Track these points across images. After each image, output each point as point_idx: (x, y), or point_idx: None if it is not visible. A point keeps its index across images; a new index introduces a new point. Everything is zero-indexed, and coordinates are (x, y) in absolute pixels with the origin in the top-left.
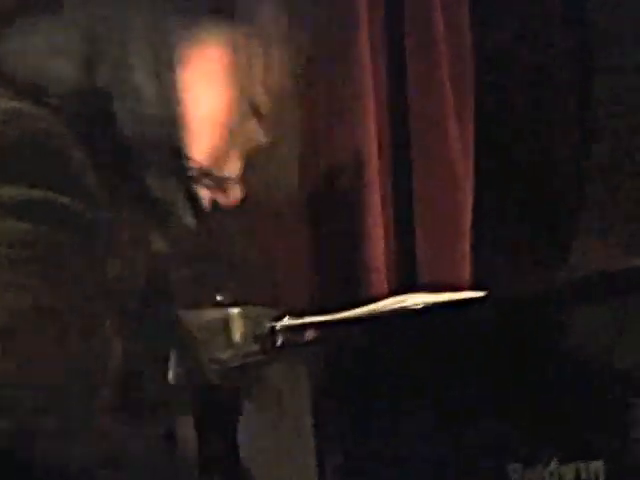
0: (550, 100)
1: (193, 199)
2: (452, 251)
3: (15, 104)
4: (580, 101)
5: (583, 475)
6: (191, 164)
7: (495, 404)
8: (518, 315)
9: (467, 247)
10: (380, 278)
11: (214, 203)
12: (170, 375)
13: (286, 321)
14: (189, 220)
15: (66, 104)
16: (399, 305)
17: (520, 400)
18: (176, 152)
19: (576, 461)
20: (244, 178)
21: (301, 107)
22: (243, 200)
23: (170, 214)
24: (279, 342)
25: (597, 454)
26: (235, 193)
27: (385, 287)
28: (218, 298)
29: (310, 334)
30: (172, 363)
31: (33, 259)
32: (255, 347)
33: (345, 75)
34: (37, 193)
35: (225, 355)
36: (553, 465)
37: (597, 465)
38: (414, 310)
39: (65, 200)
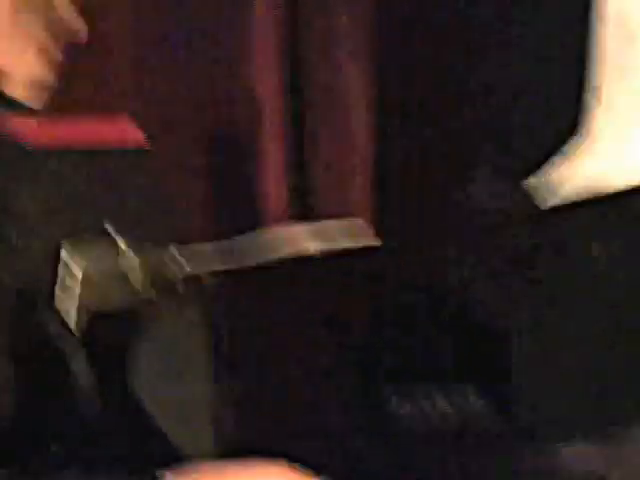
0: None
1: None
2: (347, 189)
3: None
4: None
5: None
6: None
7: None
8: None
9: (365, 185)
10: (277, 215)
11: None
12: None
13: (185, 266)
14: None
15: None
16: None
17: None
18: None
19: None
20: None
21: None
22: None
23: None
24: (179, 288)
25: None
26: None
27: (281, 218)
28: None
29: (209, 280)
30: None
31: None
32: (153, 293)
33: (237, 19)
34: None
35: (124, 301)
36: None
37: None
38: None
39: None
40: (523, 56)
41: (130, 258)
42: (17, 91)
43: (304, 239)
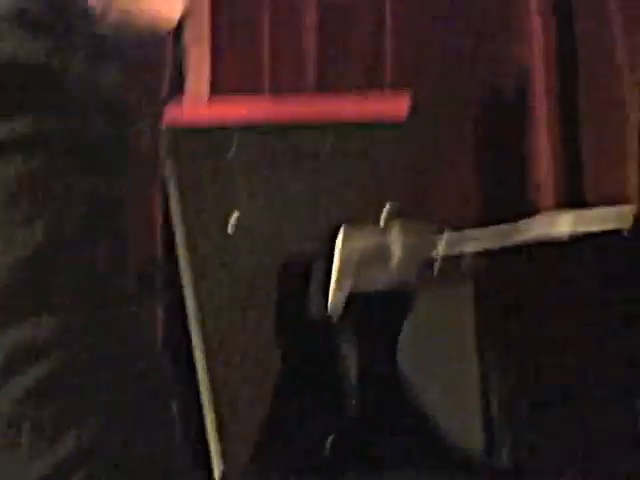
0: None
1: None
2: (618, 171)
3: None
4: None
5: None
6: None
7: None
8: None
9: (634, 167)
10: (547, 196)
11: None
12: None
13: (449, 236)
14: None
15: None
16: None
17: None
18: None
19: None
20: None
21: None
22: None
23: None
24: (439, 261)
25: None
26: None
27: (552, 206)
28: (386, 211)
29: (467, 261)
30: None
31: (40, 190)
32: (415, 270)
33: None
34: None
35: (385, 281)
36: None
37: None
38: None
39: (60, 124)
40: None
41: (394, 239)
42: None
43: (565, 224)
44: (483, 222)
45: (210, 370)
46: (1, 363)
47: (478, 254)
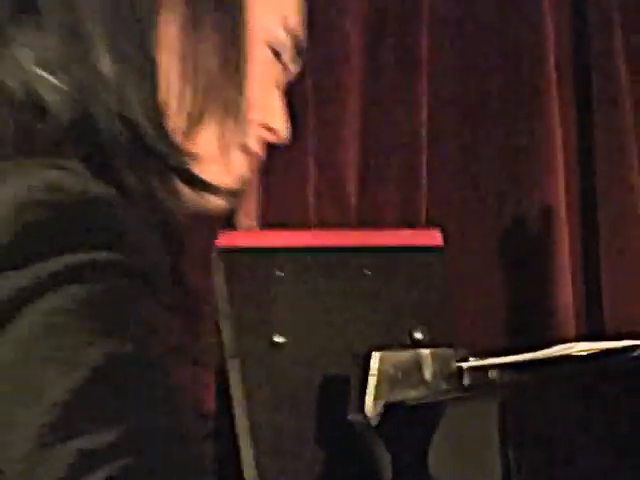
0: None
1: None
2: (634, 293)
3: (53, 173)
4: None
5: None
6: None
7: None
8: None
9: None
10: (569, 320)
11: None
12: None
13: (471, 362)
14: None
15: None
16: (566, 351)
17: None
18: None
19: None
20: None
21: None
22: None
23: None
24: (466, 382)
25: None
26: (282, 131)
27: (572, 331)
28: (417, 336)
29: (494, 374)
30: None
31: (103, 316)
32: (444, 385)
33: (537, 130)
34: (83, 257)
35: (418, 392)
36: None
37: None
38: (580, 357)
39: (118, 256)
40: None
41: (424, 354)
42: (216, 178)
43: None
44: (506, 346)
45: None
46: (64, 472)
47: (503, 369)
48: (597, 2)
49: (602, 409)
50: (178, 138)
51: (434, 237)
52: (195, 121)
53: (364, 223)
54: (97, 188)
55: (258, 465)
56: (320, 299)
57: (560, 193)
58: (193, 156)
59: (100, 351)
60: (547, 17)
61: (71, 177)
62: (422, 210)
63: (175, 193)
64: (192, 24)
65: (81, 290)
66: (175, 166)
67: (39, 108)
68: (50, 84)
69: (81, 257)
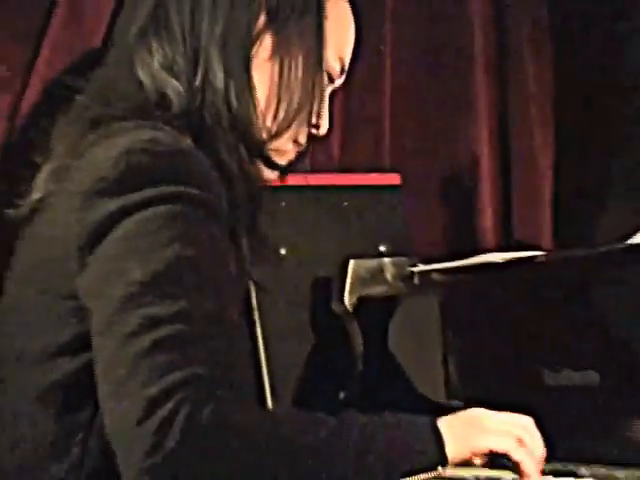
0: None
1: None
2: (537, 218)
3: (155, 133)
4: None
5: None
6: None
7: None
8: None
9: (549, 215)
10: (489, 236)
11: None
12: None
13: (420, 267)
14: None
15: (184, 125)
16: (487, 259)
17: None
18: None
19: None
20: None
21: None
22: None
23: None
24: (416, 282)
25: None
26: (325, 129)
27: (492, 243)
28: (381, 249)
29: (436, 276)
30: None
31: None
32: (400, 284)
33: (464, 89)
34: (173, 188)
35: (381, 289)
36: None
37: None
38: (498, 263)
39: (195, 190)
40: None
41: (386, 262)
42: (282, 160)
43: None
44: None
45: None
46: (133, 329)
47: (443, 273)
48: None
49: (511, 303)
50: (265, 135)
51: (394, 179)
52: (282, 131)
53: (343, 169)
54: (186, 144)
55: (265, 340)
56: (311, 223)
57: (483, 142)
58: (269, 146)
59: (172, 251)
60: None
61: (169, 136)
62: (386, 158)
63: (257, 169)
64: (282, 49)
65: (163, 210)
66: (259, 150)
67: (162, 98)
68: (172, 84)
69: (166, 189)
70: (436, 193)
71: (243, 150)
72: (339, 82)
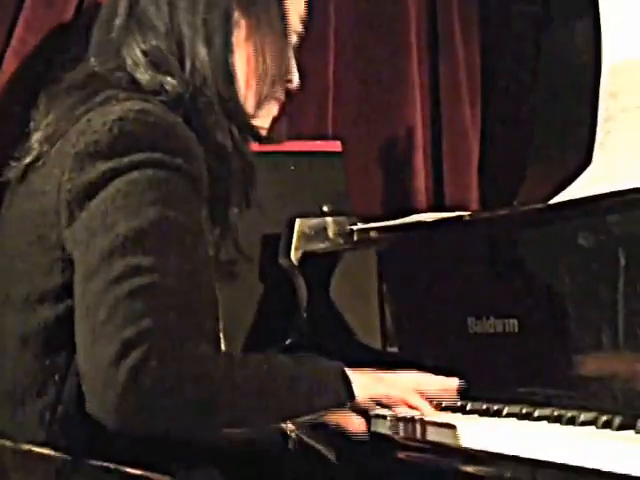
0: None
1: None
2: (465, 182)
3: (146, 104)
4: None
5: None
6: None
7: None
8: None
9: (475, 177)
10: (422, 198)
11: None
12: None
13: (359, 225)
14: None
15: (173, 103)
16: (420, 219)
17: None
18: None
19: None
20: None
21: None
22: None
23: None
24: (355, 239)
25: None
26: (297, 81)
27: (424, 204)
28: (324, 208)
29: (374, 233)
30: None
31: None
32: (341, 241)
33: (401, 69)
34: (159, 156)
35: (324, 245)
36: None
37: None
38: (428, 222)
39: (179, 160)
40: None
41: (328, 220)
42: (265, 130)
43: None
44: (381, 214)
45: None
46: (116, 276)
47: (379, 230)
48: None
49: (440, 258)
50: (250, 107)
51: (336, 145)
52: (262, 102)
53: (291, 136)
54: (172, 117)
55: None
56: (262, 185)
57: (417, 115)
58: (255, 117)
59: (154, 211)
60: None
61: (159, 109)
62: (329, 127)
63: (247, 144)
64: (255, 30)
65: (150, 173)
66: (248, 127)
67: (160, 88)
68: (166, 82)
69: (153, 155)
70: (374, 159)
71: (235, 129)
72: (301, 31)
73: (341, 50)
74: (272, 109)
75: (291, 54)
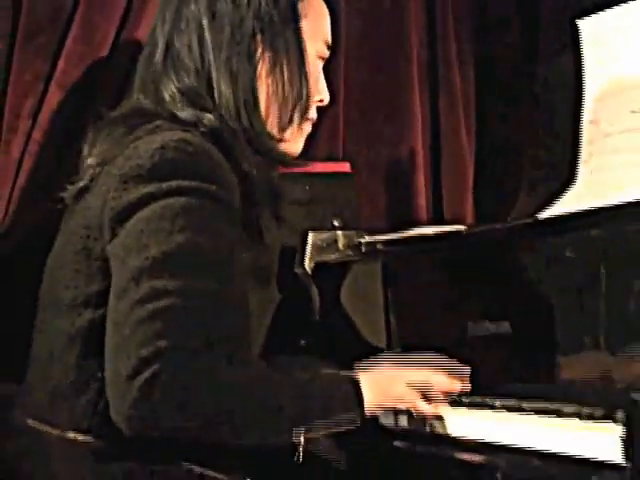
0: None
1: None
2: (461, 200)
3: (186, 134)
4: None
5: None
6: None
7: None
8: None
9: (470, 195)
10: (423, 213)
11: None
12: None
13: (367, 238)
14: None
15: (209, 134)
16: (421, 232)
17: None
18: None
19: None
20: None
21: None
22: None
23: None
24: (363, 250)
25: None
26: (327, 98)
27: (425, 219)
28: (335, 223)
29: (380, 246)
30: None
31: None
32: (350, 252)
33: (405, 103)
34: (196, 183)
35: (334, 256)
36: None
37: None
38: (429, 235)
39: (214, 187)
40: None
41: (339, 234)
42: (298, 148)
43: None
44: (386, 228)
45: None
46: (141, 297)
47: (385, 243)
48: None
49: (440, 267)
50: (274, 133)
51: (346, 167)
52: (285, 126)
53: (306, 158)
54: (209, 147)
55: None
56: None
57: (419, 142)
58: (282, 141)
59: (183, 237)
60: None
61: (197, 138)
62: (340, 149)
63: (273, 168)
64: (278, 62)
65: (183, 200)
66: (273, 153)
67: (197, 121)
68: (202, 117)
69: (190, 182)
70: (380, 179)
71: (260, 159)
72: (327, 54)
73: (351, 87)
74: (305, 129)
75: (321, 75)
